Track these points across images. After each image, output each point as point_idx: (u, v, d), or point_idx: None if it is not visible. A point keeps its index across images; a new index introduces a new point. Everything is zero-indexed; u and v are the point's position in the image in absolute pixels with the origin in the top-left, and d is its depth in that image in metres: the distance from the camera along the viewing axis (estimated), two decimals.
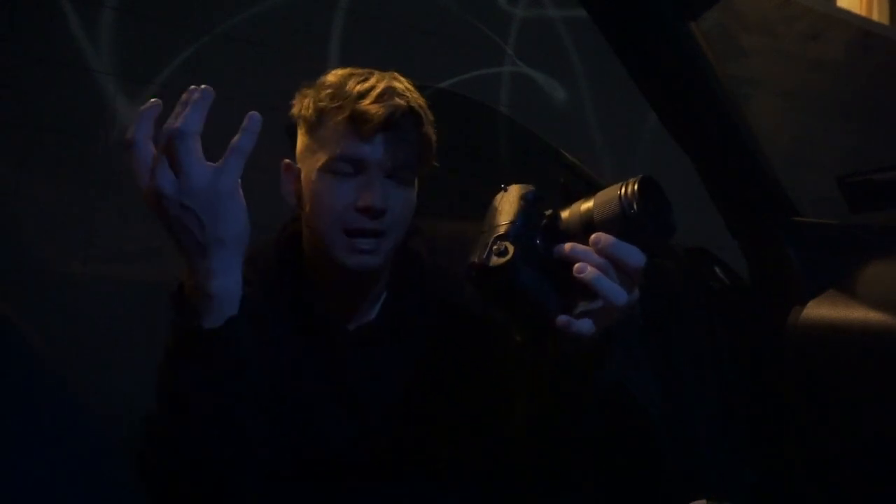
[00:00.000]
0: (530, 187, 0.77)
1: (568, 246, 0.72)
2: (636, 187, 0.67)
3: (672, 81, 1.07)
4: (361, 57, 1.03)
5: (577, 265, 0.71)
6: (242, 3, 2.01)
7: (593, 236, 0.70)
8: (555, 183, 1.32)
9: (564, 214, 0.74)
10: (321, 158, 0.92)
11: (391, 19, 2.25)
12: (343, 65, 0.99)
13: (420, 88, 0.98)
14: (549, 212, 0.76)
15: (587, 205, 0.72)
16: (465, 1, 2.42)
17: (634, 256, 0.71)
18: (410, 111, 0.92)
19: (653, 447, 1.13)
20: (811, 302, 1.06)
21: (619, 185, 0.69)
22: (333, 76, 0.95)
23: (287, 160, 0.99)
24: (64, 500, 0.52)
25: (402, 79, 0.95)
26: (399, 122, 0.90)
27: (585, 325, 0.72)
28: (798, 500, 1.14)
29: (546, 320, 0.72)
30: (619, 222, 0.68)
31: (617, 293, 0.71)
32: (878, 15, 3.69)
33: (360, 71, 0.95)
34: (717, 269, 1.30)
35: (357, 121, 0.89)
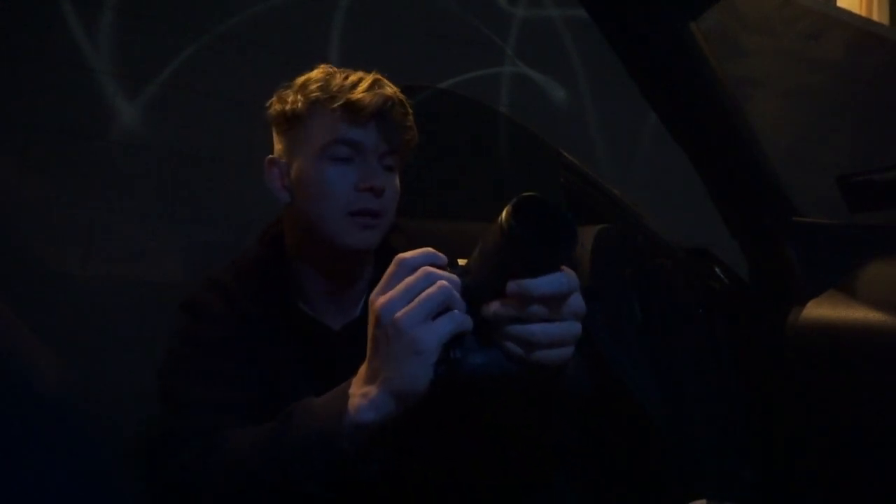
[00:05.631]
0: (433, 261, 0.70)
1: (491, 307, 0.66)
2: (510, 207, 0.62)
3: (672, 81, 1.07)
4: (361, 57, 1.04)
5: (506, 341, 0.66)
6: (242, 3, 2.01)
7: (508, 288, 0.64)
8: (555, 183, 1.33)
9: (472, 256, 0.69)
10: (317, 146, 0.95)
11: (391, 19, 2.25)
12: (343, 65, 1.01)
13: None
14: (462, 262, 0.71)
15: (483, 236, 0.66)
16: (465, 1, 2.41)
17: (544, 287, 0.63)
18: (398, 101, 0.98)
19: (653, 447, 1.13)
20: (811, 302, 1.06)
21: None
22: (318, 73, 0.99)
23: (271, 156, 1.02)
24: (64, 501, 0.52)
25: (379, 74, 1.00)
26: (389, 109, 0.96)
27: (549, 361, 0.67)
28: (798, 500, 1.14)
29: (512, 380, 0.70)
30: (503, 246, 0.63)
31: (545, 335, 0.65)
32: (878, 15, 3.69)
33: (339, 69, 1.00)
34: (717, 269, 1.30)
35: (352, 108, 0.94)
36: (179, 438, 0.84)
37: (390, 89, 0.98)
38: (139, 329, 1.73)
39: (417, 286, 0.67)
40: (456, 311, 0.67)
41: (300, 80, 0.99)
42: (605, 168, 2.66)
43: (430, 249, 0.70)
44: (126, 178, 1.82)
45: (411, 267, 0.69)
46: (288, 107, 0.98)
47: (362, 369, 0.72)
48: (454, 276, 0.68)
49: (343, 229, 0.95)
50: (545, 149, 1.44)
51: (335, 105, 0.94)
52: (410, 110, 1.01)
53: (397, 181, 1.00)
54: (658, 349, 1.17)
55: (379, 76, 0.99)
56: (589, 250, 1.12)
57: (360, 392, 0.71)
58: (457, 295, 0.67)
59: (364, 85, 0.96)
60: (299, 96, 0.97)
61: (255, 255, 1.03)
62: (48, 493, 0.51)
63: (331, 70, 0.99)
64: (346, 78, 0.97)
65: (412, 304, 0.66)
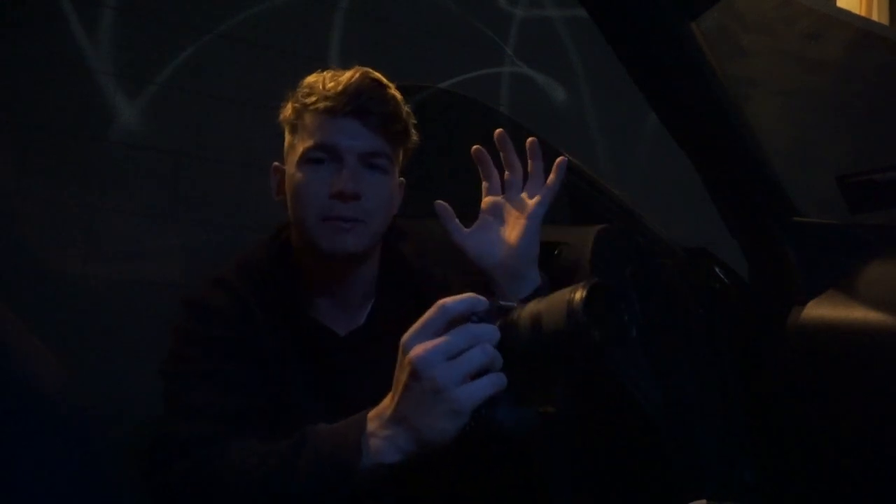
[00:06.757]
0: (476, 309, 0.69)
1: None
2: (584, 293, 0.63)
3: (672, 81, 1.07)
4: (361, 57, 1.04)
5: None
6: (242, 3, 2.01)
7: None
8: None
9: (521, 312, 0.69)
10: (299, 152, 0.95)
11: (391, 19, 2.25)
12: (343, 65, 1.00)
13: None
14: (516, 305, 0.70)
15: (539, 305, 0.67)
16: (465, 1, 2.42)
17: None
18: (382, 99, 0.94)
19: (653, 447, 1.13)
20: (811, 302, 1.06)
21: (571, 288, 0.65)
22: (312, 77, 0.98)
23: (276, 163, 1.03)
24: (64, 501, 0.52)
25: (375, 72, 0.97)
26: (370, 109, 0.93)
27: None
28: (798, 500, 1.14)
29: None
30: (564, 326, 0.64)
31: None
32: (878, 15, 3.69)
33: (338, 70, 0.98)
34: (717, 269, 1.30)
35: (329, 111, 0.92)
36: (180, 443, 0.83)
37: (375, 89, 0.94)
38: (139, 329, 1.73)
39: (458, 344, 0.66)
40: (494, 373, 0.66)
41: (299, 84, 0.99)
42: (605, 168, 2.66)
43: (472, 295, 0.68)
44: (126, 178, 1.82)
45: (452, 315, 0.67)
46: (283, 114, 0.99)
47: (385, 406, 0.71)
48: (493, 329, 0.67)
49: (319, 235, 0.93)
50: (545, 149, 1.44)
51: (315, 108, 0.93)
52: (405, 108, 0.98)
53: (388, 182, 0.97)
54: (658, 349, 1.17)
55: (368, 74, 0.95)
56: (589, 250, 1.12)
57: (383, 433, 0.70)
58: (496, 355, 0.66)
59: (344, 85, 0.92)
60: (290, 104, 0.98)
61: (263, 255, 1.01)
62: (48, 494, 0.51)
63: (326, 73, 0.97)
64: (332, 78, 0.95)
65: (453, 364, 0.65)
